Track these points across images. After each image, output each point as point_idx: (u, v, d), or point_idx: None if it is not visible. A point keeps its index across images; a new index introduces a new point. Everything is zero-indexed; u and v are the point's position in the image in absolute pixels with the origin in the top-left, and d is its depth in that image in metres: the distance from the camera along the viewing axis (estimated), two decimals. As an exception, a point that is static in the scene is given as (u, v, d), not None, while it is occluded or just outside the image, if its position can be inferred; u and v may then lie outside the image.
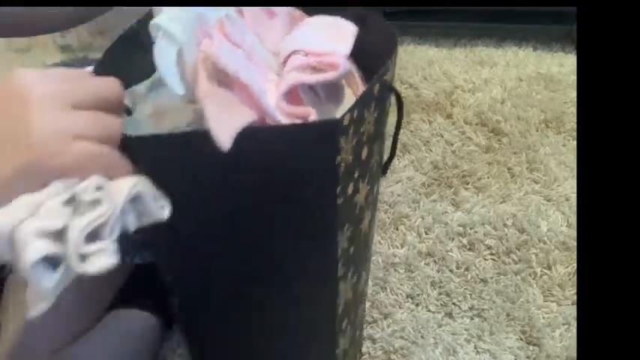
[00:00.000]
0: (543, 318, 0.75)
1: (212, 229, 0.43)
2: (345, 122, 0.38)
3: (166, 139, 0.37)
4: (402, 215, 0.92)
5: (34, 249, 0.28)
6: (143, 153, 0.36)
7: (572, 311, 0.76)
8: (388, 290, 0.79)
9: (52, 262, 0.30)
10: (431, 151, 1.08)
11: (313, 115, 0.41)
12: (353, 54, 0.44)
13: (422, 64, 1.38)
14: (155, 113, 0.45)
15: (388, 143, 0.50)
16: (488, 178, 1.00)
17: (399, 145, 0.77)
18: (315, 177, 0.40)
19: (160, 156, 0.37)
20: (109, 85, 0.35)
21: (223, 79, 0.38)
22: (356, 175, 0.43)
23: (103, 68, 0.42)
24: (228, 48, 0.39)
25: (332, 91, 0.45)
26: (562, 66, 1.38)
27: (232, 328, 0.53)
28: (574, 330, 0.73)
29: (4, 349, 0.60)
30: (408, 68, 1.37)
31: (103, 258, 0.30)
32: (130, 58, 0.46)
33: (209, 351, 0.57)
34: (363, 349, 0.72)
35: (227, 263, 0.46)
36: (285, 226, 0.43)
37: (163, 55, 0.38)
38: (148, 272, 0.71)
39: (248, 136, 0.35)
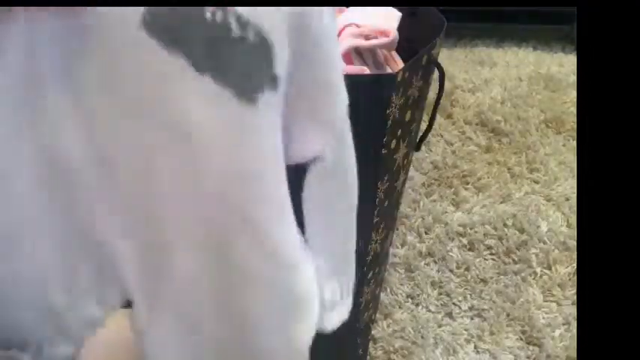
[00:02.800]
0: (543, 318, 0.75)
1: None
2: (399, 79, 0.43)
3: None
4: (402, 215, 0.92)
5: None
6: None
7: (572, 311, 0.76)
8: (388, 290, 0.79)
9: None
10: (431, 151, 1.08)
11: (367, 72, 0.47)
12: (398, 43, 0.50)
13: (422, 64, 1.38)
14: None
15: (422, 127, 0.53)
16: (488, 178, 1.00)
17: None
18: (367, 125, 0.44)
19: None
20: None
21: None
22: (399, 133, 0.48)
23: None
24: None
25: (378, 68, 0.52)
26: (562, 66, 1.38)
27: None
28: (574, 330, 0.73)
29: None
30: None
31: None
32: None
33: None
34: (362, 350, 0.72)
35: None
36: None
37: None
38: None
39: None
